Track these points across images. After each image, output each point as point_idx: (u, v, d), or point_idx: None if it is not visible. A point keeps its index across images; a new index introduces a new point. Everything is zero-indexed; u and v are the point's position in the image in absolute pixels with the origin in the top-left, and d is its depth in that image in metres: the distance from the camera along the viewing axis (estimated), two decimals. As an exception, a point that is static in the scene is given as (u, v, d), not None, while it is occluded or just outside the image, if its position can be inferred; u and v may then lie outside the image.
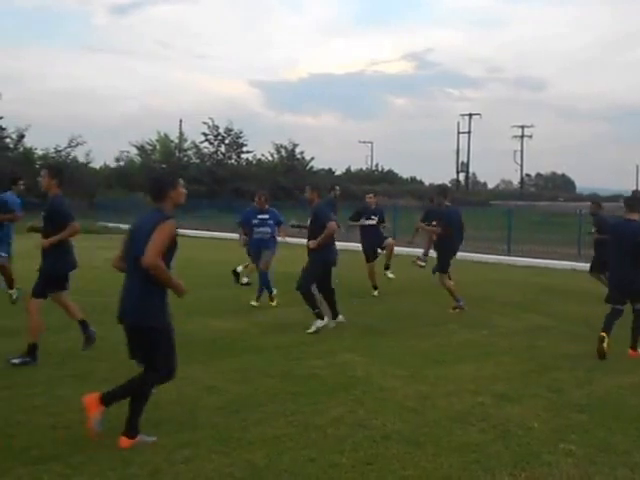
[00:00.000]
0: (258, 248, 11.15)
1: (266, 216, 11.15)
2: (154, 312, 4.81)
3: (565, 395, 6.12)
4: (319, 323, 8.81)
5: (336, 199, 12.80)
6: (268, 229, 11.09)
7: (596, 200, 13.58)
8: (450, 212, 11.04)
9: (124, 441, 4.74)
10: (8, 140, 44.58)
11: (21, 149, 45.47)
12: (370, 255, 12.32)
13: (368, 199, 12.61)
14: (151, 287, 4.78)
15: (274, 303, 10.83)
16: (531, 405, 5.80)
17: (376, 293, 12.09)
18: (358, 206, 13.06)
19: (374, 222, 12.28)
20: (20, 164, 41.70)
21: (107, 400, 4.84)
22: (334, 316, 9.17)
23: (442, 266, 10.75)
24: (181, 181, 5.04)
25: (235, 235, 13.94)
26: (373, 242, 12.26)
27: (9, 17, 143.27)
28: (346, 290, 11.58)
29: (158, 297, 4.83)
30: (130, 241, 4.94)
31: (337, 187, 13.23)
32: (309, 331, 8.68)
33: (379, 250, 12.39)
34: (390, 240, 12.61)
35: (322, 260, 9.02)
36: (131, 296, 4.86)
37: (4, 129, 43.75)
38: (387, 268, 12.46)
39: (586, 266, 17.40)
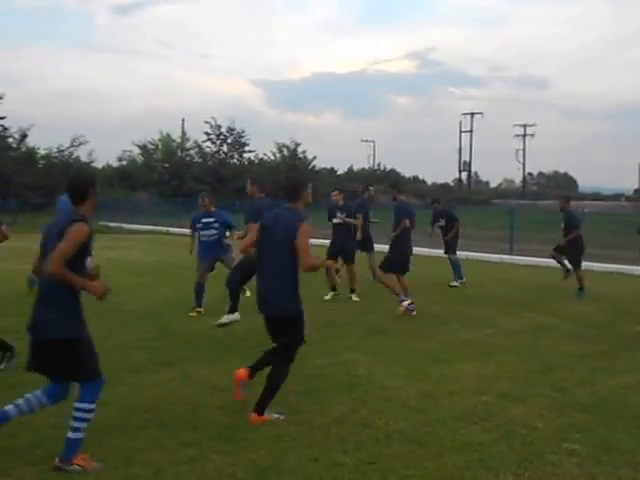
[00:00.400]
0: (203, 253, 10.26)
1: (211, 219, 10.30)
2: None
3: (568, 394, 6.11)
4: (233, 316, 8.96)
5: (369, 199, 12.46)
6: (214, 232, 10.20)
7: (565, 195, 13.51)
8: (405, 206, 10.66)
9: (254, 417, 5.17)
10: (11, 140, 44.60)
11: (24, 149, 45.50)
12: (337, 255, 11.64)
13: (333, 196, 12.00)
14: (295, 276, 5.27)
15: (193, 313, 9.87)
16: (534, 404, 5.79)
17: (328, 296, 11.44)
18: (326, 205, 12.42)
19: (340, 220, 11.64)
20: (23, 164, 41.81)
21: (261, 407, 5.24)
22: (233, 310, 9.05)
23: (403, 266, 10.37)
24: (310, 184, 5.58)
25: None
26: (342, 241, 11.61)
27: (11, 17, 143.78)
28: (349, 288, 11.58)
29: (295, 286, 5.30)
30: (266, 236, 5.32)
31: (371, 187, 12.69)
32: (218, 322, 8.90)
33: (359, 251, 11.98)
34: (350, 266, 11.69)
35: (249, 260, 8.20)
36: (279, 289, 5.26)
37: (7, 129, 43.76)
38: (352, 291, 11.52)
39: (589, 265, 17.45)
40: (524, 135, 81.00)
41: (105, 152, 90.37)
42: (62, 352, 4.26)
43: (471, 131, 76.22)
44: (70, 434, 4.30)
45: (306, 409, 5.54)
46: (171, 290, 12.27)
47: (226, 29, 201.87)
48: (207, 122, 54.52)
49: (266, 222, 5.45)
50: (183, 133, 56.13)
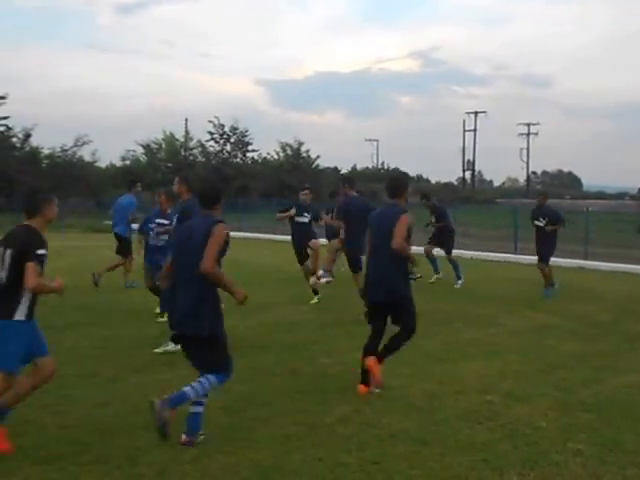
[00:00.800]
0: (152, 257, 9.05)
1: (166, 221, 8.85)
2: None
3: (573, 394, 6.10)
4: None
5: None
6: (167, 237, 8.69)
7: (543, 192, 13.54)
8: (350, 202, 9.63)
9: (372, 362, 5.89)
10: (14, 140, 44.67)
11: (27, 148, 45.57)
12: (299, 256, 11.27)
13: (302, 195, 11.42)
14: (406, 264, 6.08)
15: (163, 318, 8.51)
16: (539, 404, 5.78)
17: (316, 300, 10.93)
18: (293, 202, 11.83)
19: (306, 220, 11.18)
20: (26, 163, 41.88)
21: (384, 355, 6.05)
22: None
23: (357, 265, 9.49)
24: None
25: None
26: (303, 241, 11.07)
27: (14, 18, 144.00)
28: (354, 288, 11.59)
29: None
30: (377, 229, 6.10)
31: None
32: (157, 350, 7.41)
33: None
34: (314, 241, 11.07)
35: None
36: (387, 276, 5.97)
37: (10, 129, 43.84)
38: (312, 274, 10.61)
39: (594, 264, 17.48)
40: (528, 134, 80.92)
41: (109, 152, 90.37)
42: (206, 346, 4.74)
43: (475, 130, 76.22)
44: (193, 408, 4.76)
45: (310, 409, 5.54)
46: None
47: (229, 28, 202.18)
48: (210, 121, 54.65)
49: (373, 220, 6.25)
50: (186, 132, 56.22)
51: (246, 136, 55.38)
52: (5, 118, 42.84)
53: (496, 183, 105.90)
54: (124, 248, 12.59)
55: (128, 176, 14.24)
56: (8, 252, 4.53)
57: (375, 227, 6.19)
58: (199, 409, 4.75)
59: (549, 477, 4.32)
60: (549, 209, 12.51)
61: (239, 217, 32.66)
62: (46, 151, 47.22)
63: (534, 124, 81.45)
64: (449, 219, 13.92)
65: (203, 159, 55.20)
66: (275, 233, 26.23)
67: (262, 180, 51.26)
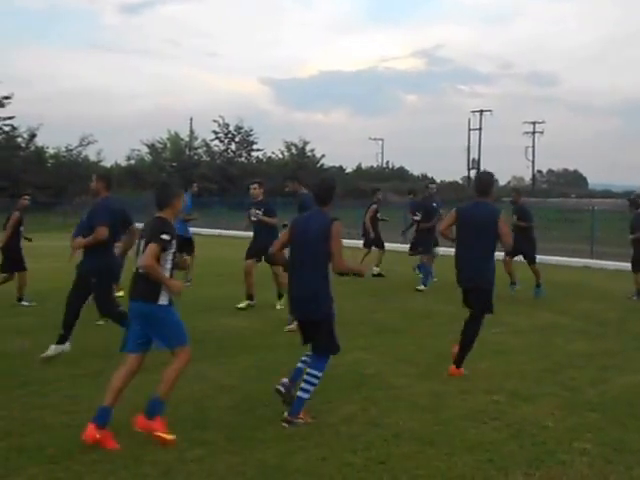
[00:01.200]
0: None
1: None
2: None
3: (579, 393, 6.08)
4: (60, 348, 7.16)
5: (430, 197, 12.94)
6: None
7: (516, 189, 13.41)
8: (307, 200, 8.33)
9: (453, 370, 6.56)
10: (20, 139, 44.82)
11: (33, 148, 45.73)
12: (253, 255, 10.18)
13: (252, 190, 10.44)
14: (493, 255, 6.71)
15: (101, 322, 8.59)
16: (545, 404, 5.76)
17: (245, 304, 10.23)
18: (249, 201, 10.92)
19: (255, 218, 10.18)
20: (32, 163, 42.00)
21: (459, 362, 6.59)
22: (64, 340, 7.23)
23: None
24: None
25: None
26: (263, 241, 9.23)
27: (17, 18, 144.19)
28: (361, 286, 11.57)
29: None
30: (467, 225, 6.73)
31: (432, 185, 13.14)
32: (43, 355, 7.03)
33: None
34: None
35: (79, 268, 7.29)
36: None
37: (16, 128, 44.02)
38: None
39: (599, 263, 17.40)
40: (533, 132, 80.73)
41: (113, 151, 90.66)
42: (323, 328, 5.33)
43: (480, 129, 76.01)
44: (300, 393, 5.18)
45: (315, 408, 5.52)
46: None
47: (234, 28, 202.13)
48: (215, 121, 54.80)
49: (464, 216, 6.76)
50: (191, 132, 56.32)
51: (251, 135, 55.54)
52: (10, 118, 43.05)
53: (501, 182, 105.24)
54: (185, 246, 12.54)
55: (186, 177, 14.48)
56: (143, 241, 4.92)
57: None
58: (306, 395, 5.19)
59: (555, 477, 4.30)
60: (521, 207, 12.37)
61: (244, 216, 32.58)
62: (51, 151, 47.49)
63: (539, 122, 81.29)
64: (437, 217, 13.14)
65: (208, 158, 55.28)
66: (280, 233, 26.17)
67: (267, 179, 51.28)
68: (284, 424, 5.09)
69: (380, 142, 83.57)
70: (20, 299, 10.58)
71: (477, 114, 76.27)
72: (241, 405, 5.60)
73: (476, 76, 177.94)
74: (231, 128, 55.01)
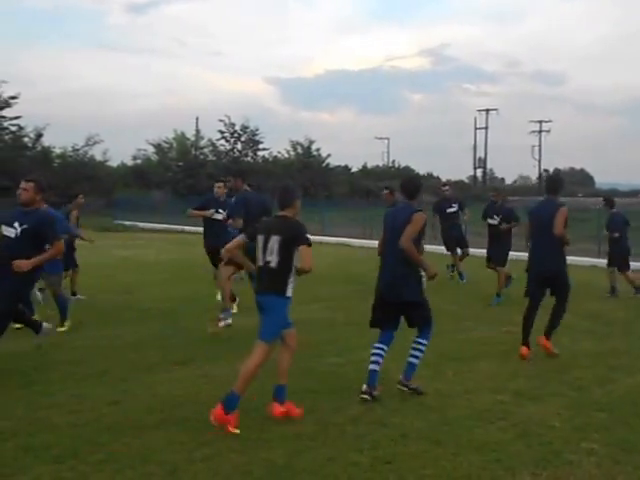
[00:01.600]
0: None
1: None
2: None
3: (586, 393, 6.05)
4: None
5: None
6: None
7: (496, 188, 13.15)
8: (245, 198, 8.66)
9: (544, 341, 7.41)
10: (26, 139, 44.86)
11: (39, 148, 45.76)
12: (214, 258, 9.83)
13: (216, 188, 10.31)
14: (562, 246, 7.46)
15: (64, 328, 8.51)
16: (552, 403, 5.74)
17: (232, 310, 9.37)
18: (206, 197, 10.84)
19: (220, 217, 9.96)
20: (38, 163, 42.07)
21: (549, 333, 7.48)
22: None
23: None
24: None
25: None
26: (218, 241, 8.94)
27: (24, 18, 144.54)
28: (369, 286, 11.55)
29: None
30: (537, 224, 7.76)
31: (445, 187, 13.81)
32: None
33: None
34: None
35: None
36: None
37: (22, 128, 43.99)
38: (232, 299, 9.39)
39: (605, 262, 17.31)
40: (540, 131, 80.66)
41: (120, 151, 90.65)
42: (415, 307, 5.91)
43: (486, 128, 75.95)
44: (411, 359, 5.91)
45: (322, 408, 5.52)
46: (186, 289, 12.29)
47: (239, 27, 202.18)
48: (221, 120, 54.71)
49: (533, 215, 7.94)
50: (197, 131, 56.27)
51: (257, 135, 55.46)
52: (17, 118, 43.02)
53: (508, 181, 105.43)
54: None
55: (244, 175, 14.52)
56: (274, 239, 5.20)
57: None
58: (416, 361, 5.93)
59: (562, 477, 4.28)
60: (503, 206, 11.99)
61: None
62: (58, 151, 47.45)
63: (546, 121, 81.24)
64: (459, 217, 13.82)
65: (214, 158, 55.28)
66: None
67: (273, 179, 51.29)
68: (399, 386, 5.91)
69: (386, 141, 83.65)
70: (74, 293, 10.94)
71: (483, 113, 76.38)
72: (247, 405, 5.59)
73: (482, 75, 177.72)
74: (237, 127, 55.02)
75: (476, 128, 76.75)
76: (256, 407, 5.49)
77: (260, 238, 5.29)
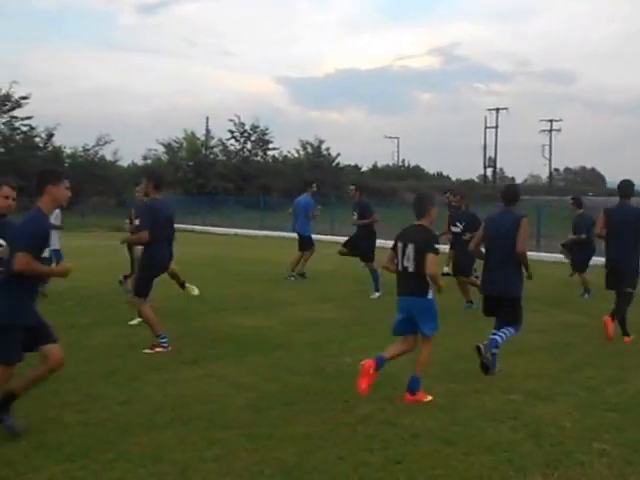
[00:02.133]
0: None
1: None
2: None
3: (598, 393, 6.03)
4: None
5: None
6: None
7: (459, 192, 11.93)
8: (153, 206, 7.77)
9: (608, 320, 8.14)
10: (38, 139, 45.10)
11: (50, 148, 45.98)
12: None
13: (136, 192, 9.77)
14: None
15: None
16: (563, 403, 5.72)
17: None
18: (130, 201, 10.06)
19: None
20: (49, 163, 42.26)
21: (625, 331, 8.34)
22: None
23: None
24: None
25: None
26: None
27: (34, 18, 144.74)
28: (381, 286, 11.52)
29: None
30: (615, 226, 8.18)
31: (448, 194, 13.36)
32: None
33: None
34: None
35: None
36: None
37: (34, 128, 44.22)
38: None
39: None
40: (550, 130, 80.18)
41: (130, 151, 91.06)
42: (512, 304, 6.63)
43: (496, 127, 75.62)
44: (495, 337, 6.50)
45: (333, 407, 5.52)
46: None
47: (249, 27, 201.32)
48: (231, 120, 54.79)
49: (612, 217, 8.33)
50: (207, 131, 56.35)
51: (266, 134, 55.50)
52: (28, 118, 43.26)
53: (518, 180, 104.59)
54: (304, 243, 13.81)
55: (304, 178, 15.46)
56: (410, 247, 5.80)
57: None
58: (500, 340, 6.48)
59: (574, 477, 4.26)
60: (466, 213, 11.07)
61: (260, 215, 32.67)
62: (68, 150, 47.69)
63: (556, 120, 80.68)
64: (373, 215, 12.02)
65: (224, 158, 55.36)
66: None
67: (282, 178, 51.30)
68: (480, 345, 6.47)
69: (396, 140, 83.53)
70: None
71: (493, 112, 75.85)
72: (258, 404, 5.60)
73: (492, 74, 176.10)
74: (247, 127, 55.07)
75: (486, 127, 76.39)
76: (267, 407, 5.51)
77: (399, 245, 5.90)
